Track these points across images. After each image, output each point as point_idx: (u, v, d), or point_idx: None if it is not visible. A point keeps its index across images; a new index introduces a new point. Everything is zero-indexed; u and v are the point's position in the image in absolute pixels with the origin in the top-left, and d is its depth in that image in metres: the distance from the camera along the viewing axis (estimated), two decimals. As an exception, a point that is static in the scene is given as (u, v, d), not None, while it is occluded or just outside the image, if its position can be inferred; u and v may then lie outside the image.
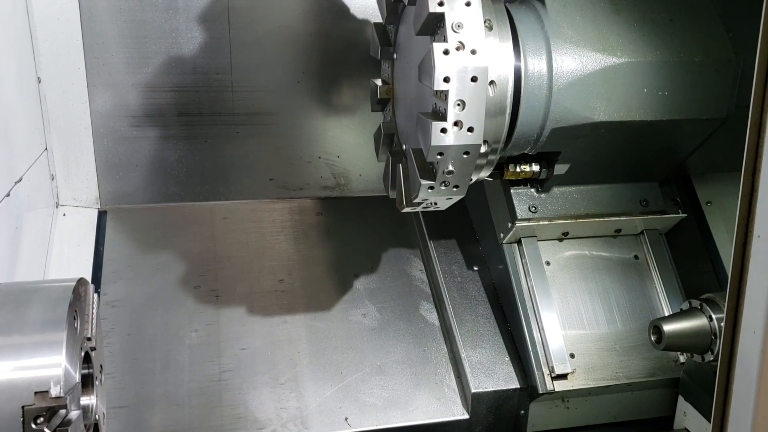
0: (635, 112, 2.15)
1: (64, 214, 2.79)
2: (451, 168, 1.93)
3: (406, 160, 2.17)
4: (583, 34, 2.11)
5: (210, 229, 2.86)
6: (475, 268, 2.74)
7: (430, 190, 2.00)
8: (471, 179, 2.14)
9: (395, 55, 2.36)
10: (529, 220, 2.42)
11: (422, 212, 2.84)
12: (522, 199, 2.44)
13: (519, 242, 2.50)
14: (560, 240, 2.53)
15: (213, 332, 2.52)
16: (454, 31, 1.81)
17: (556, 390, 2.33)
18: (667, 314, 2.46)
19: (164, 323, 2.53)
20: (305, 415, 2.36)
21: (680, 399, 2.42)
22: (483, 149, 2.01)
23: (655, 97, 2.15)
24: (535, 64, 2.07)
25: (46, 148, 2.68)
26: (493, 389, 2.42)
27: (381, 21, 2.38)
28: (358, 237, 2.92)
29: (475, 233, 2.86)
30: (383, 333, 2.62)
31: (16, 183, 2.24)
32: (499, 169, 2.32)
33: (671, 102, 2.16)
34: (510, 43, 2.03)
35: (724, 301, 2.02)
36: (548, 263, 2.51)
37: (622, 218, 2.49)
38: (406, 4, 2.06)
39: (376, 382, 2.48)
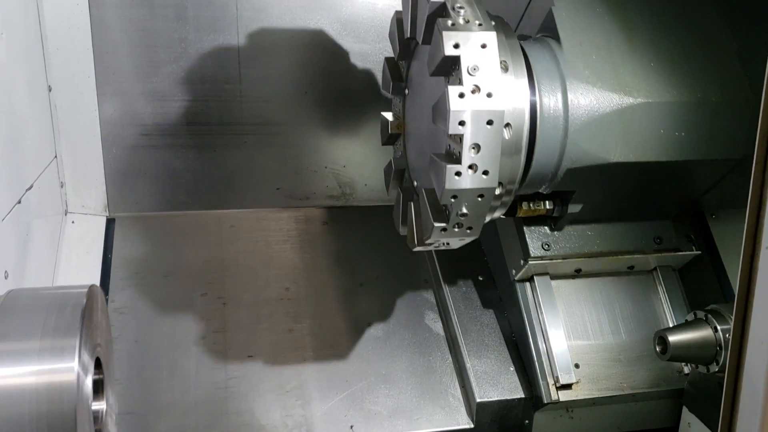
0: (651, 153, 2.10)
1: (73, 222, 2.81)
2: (465, 210, 1.88)
3: (418, 197, 2.13)
4: (599, 73, 2.06)
5: (217, 237, 2.88)
6: (480, 278, 2.76)
7: (443, 232, 1.95)
8: (485, 220, 2.08)
9: (407, 91, 2.32)
10: (542, 258, 2.38)
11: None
12: (535, 236, 2.39)
13: (531, 279, 2.45)
14: (572, 278, 2.49)
15: (219, 340, 2.54)
16: (470, 74, 1.77)
17: (561, 400, 2.34)
18: (671, 325, 2.48)
19: (171, 330, 2.54)
20: (311, 422, 2.37)
21: (684, 410, 2.43)
22: (497, 191, 1.96)
23: (671, 138, 2.10)
24: (550, 105, 2.02)
25: (55, 156, 2.70)
26: (498, 399, 2.43)
27: (392, 55, 2.34)
28: (363, 246, 2.94)
29: (480, 244, 2.87)
30: (388, 342, 2.64)
31: (26, 190, 2.26)
32: (512, 206, 2.24)
33: (687, 143, 2.11)
34: (526, 84, 1.98)
35: (730, 312, 2.07)
36: (561, 298, 2.48)
37: (635, 256, 2.44)
38: (420, 43, 2.00)
39: (382, 390, 2.49)
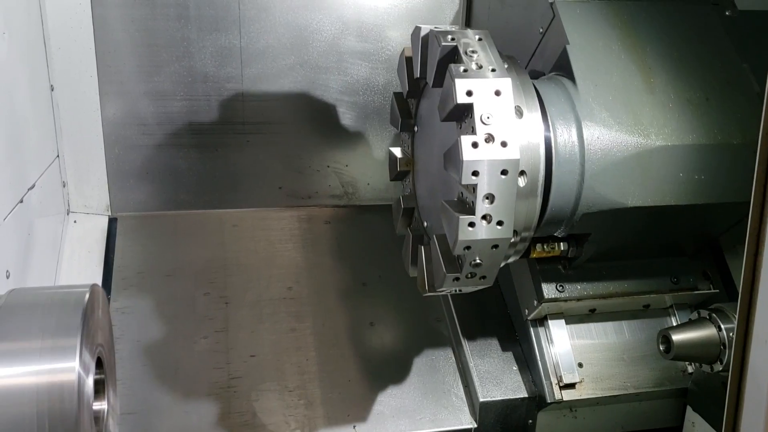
0: (670, 197, 2.03)
1: (75, 221, 2.81)
2: (478, 260, 1.81)
3: (428, 239, 2.08)
4: (616, 115, 1.99)
5: (219, 236, 2.88)
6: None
7: (455, 281, 1.89)
8: (499, 268, 1.99)
9: (416, 128, 2.27)
10: (556, 300, 2.30)
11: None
12: (549, 276, 2.30)
13: (545, 318, 2.40)
14: (586, 317, 2.42)
15: (222, 339, 2.53)
16: (484, 123, 1.71)
17: (564, 399, 2.33)
18: (675, 324, 2.47)
19: (173, 330, 2.54)
20: (313, 422, 2.37)
21: (688, 409, 2.42)
22: (512, 239, 1.88)
23: (690, 181, 2.03)
24: (566, 149, 1.96)
25: (58, 156, 2.70)
26: (501, 398, 2.42)
27: (400, 91, 2.28)
28: (366, 245, 2.94)
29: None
30: (391, 341, 2.63)
31: (29, 190, 2.26)
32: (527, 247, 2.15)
33: (707, 186, 2.04)
34: (541, 129, 1.91)
35: (733, 311, 2.05)
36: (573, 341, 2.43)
37: (651, 296, 2.38)
38: (431, 85, 1.95)
39: (384, 390, 2.49)
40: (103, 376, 1.58)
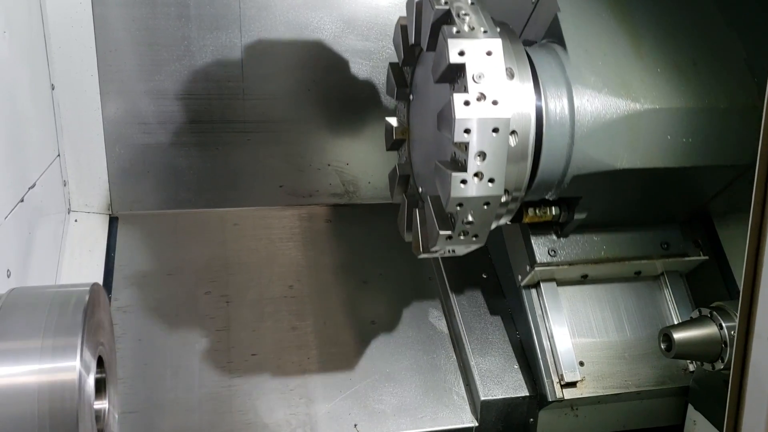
0: (658, 160, 2.09)
1: (76, 220, 2.81)
2: (470, 218, 1.86)
3: (423, 204, 2.11)
4: (605, 80, 2.04)
5: (220, 235, 2.88)
6: (485, 276, 2.75)
7: (448, 240, 1.93)
8: (491, 228, 2.05)
9: (412, 96, 2.30)
10: (548, 264, 2.34)
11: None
12: (541, 242, 2.35)
13: (537, 284, 2.43)
14: (578, 283, 2.47)
15: (223, 338, 2.53)
16: (475, 82, 1.75)
17: (566, 398, 2.33)
18: (676, 322, 2.46)
19: (175, 329, 2.54)
20: (315, 421, 2.37)
21: (690, 408, 2.42)
22: (504, 199, 1.93)
23: (678, 144, 2.08)
24: (556, 112, 2.01)
25: (58, 155, 2.70)
26: (502, 397, 2.42)
27: (396, 61, 2.32)
28: (366, 244, 2.93)
29: (485, 243, 2.85)
30: (392, 340, 2.63)
31: (29, 189, 2.26)
32: (518, 212, 2.22)
33: (695, 149, 2.10)
34: (532, 91, 1.96)
35: (734, 309, 2.05)
36: (567, 305, 2.46)
37: (642, 261, 2.41)
38: (425, 49, 1.97)
39: (386, 389, 2.49)
40: (104, 375, 1.58)
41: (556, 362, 2.35)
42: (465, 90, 1.74)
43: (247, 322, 2.60)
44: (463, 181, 1.78)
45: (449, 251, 2.02)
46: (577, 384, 2.35)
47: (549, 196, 2.17)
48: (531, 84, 1.97)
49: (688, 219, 2.47)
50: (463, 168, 1.78)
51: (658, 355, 2.43)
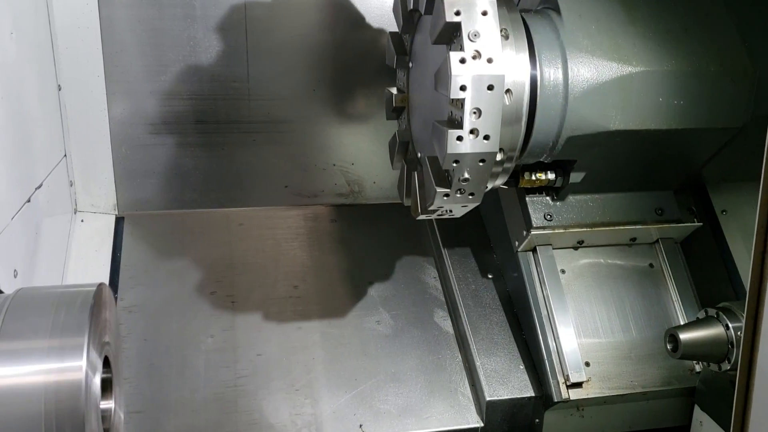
0: (650, 121, 2.16)
1: (82, 220, 2.82)
2: (467, 175, 1.94)
3: (422, 168, 2.19)
4: (598, 43, 2.12)
5: (226, 235, 2.88)
6: (490, 276, 2.74)
7: (445, 198, 2.01)
8: (486, 187, 2.15)
9: (411, 64, 2.37)
10: (544, 228, 2.42)
11: (436, 220, 2.86)
12: (537, 207, 2.43)
13: (534, 250, 2.50)
14: (575, 248, 2.53)
15: (229, 338, 2.54)
16: (471, 40, 1.82)
17: (571, 398, 2.33)
18: (682, 323, 2.46)
19: (180, 329, 2.55)
20: (320, 421, 2.37)
21: (696, 409, 2.41)
22: (499, 157, 2.02)
23: (670, 107, 2.15)
24: (550, 73, 2.08)
25: (65, 155, 2.71)
26: (508, 397, 2.42)
27: (396, 30, 2.41)
28: (372, 244, 2.93)
29: (489, 241, 2.86)
30: (397, 340, 2.63)
31: (36, 189, 2.27)
32: (515, 177, 2.33)
33: (686, 111, 2.17)
34: (526, 52, 2.04)
35: (741, 310, 2.06)
36: (563, 271, 2.51)
37: (637, 227, 2.48)
38: (423, 13, 2.07)
39: (391, 389, 2.48)
40: (110, 374, 1.58)
41: (562, 363, 2.35)
42: (461, 48, 1.81)
43: (253, 322, 2.60)
44: (459, 138, 1.84)
45: (447, 211, 2.10)
46: (583, 384, 2.34)
47: (544, 159, 2.23)
48: (525, 45, 2.04)
49: (681, 186, 2.54)
50: (459, 125, 1.84)
51: (665, 355, 2.42)
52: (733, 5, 2.26)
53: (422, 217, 2.19)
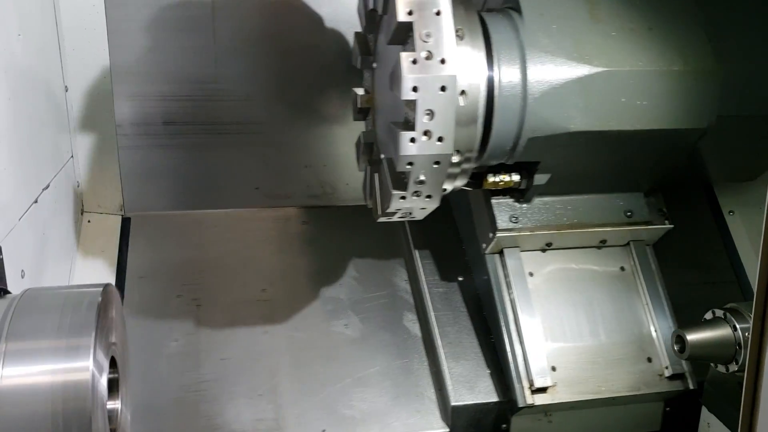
0: (613, 122, 2.11)
1: (89, 221, 2.83)
2: (422, 178, 1.91)
3: (383, 169, 2.16)
4: (559, 43, 2.08)
5: (195, 238, 2.85)
6: (460, 279, 2.70)
7: (402, 200, 1.99)
8: (446, 189, 2.12)
9: (375, 65, 2.34)
10: (510, 230, 2.38)
11: (409, 221, 2.83)
12: (502, 209, 2.40)
13: (501, 252, 2.46)
14: (543, 251, 2.49)
15: (193, 342, 2.51)
16: (424, 41, 1.79)
17: (536, 404, 2.29)
18: (652, 327, 2.42)
19: (144, 332, 2.52)
20: (282, 426, 2.34)
21: (703, 410, 2.35)
22: (456, 159, 1.99)
23: (633, 107, 2.11)
24: (508, 74, 2.04)
25: (72, 156, 2.73)
26: (473, 402, 2.38)
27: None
28: (343, 246, 2.89)
29: (461, 243, 2.82)
30: (365, 344, 2.60)
31: (43, 190, 2.30)
32: (479, 178, 2.30)
33: (650, 112, 2.13)
34: (483, 53, 2.00)
35: (748, 310, 2.03)
36: (531, 274, 2.48)
37: (605, 229, 2.44)
38: (380, 12, 2.04)
39: (356, 394, 2.46)
40: (116, 375, 1.61)
41: (527, 367, 2.31)
42: (414, 49, 1.78)
43: (218, 326, 2.57)
44: (412, 140, 1.82)
45: (406, 214, 2.08)
46: (549, 389, 2.31)
47: (506, 161, 2.20)
48: (482, 45, 2.01)
49: (653, 188, 2.49)
50: (413, 127, 1.81)
51: (633, 360, 2.40)
52: (699, 3, 2.23)
53: (382, 219, 2.16)
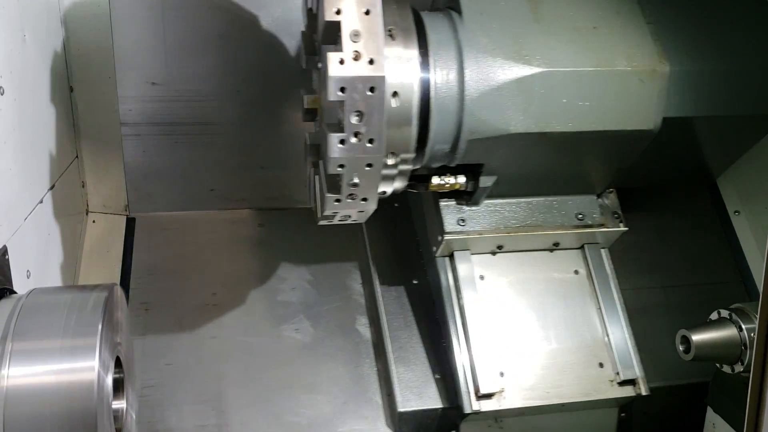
0: (555, 124, 2.07)
1: (94, 221, 2.82)
2: (355, 180, 1.87)
3: (320, 171, 2.12)
4: (498, 42, 2.03)
5: (147, 240, 2.81)
6: (415, 282, 2.66)
7: (337, 203, 1.95)
8: (385, 192, 2.08)
9: (320, 64, 2.30)
10: (458, 233, 2.35)
11: (365, 224, 2.79)
12: (450, 211, 2.36)
13: (452, 255, 2.42)
14: (494, 253, 2.45)
15: (138, 346, 2.46)
16: (352, 41, 1.75)
17: (482, 410, 2.25)
18: (607, 332, 2.38)
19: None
20: (226, 433, 2.30)
21: (709, 410, 2.32)
22: (390, 161, 1.95)
23: (575, 108, 2.06)
24: (445, 74, 2.00)
25: (77, 156, 2.72)
26: (420, 408, 2.35)
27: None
28: (299, 249, 2.85)
29: (418, 245, 2.78)
30: (316, 349, 2.56)
31: (48, 190, 2.29)
32: (426, 180, 2.26)
33: (593, 113, 2.08)
34: (416, 53, 1.96)
35: (754, 311, 2.02)
36: (483, 277, 2.44)
37: (557, 232, 2.40)
38: (315, 12, 2.00)
39: (304, 400, 2.42)
40: (121, 375, 1.62)
41: (474, 373, 2.27)
42: (342, 49, 1.74)
43: (165, 330, 2.53)
44: (342, 142, 1.78)
45: (346, 217, 2.05)
46: (496, 395, 2.27)
47: (449, 163, 2.16)
48: (416, 45, 1.96)
49: (604, 190, 2.46)
50: (342, 128, 1.77)
51: (584, 366, 2.36)
52: (646, 3, 2.18)
53: (323, 222, 2.12)
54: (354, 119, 1.77)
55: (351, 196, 1.92)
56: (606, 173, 2.35)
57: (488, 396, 2.26)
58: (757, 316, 1.46)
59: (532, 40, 2.06)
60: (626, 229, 2.46)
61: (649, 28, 2.14)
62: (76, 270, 2.60)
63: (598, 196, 2.46)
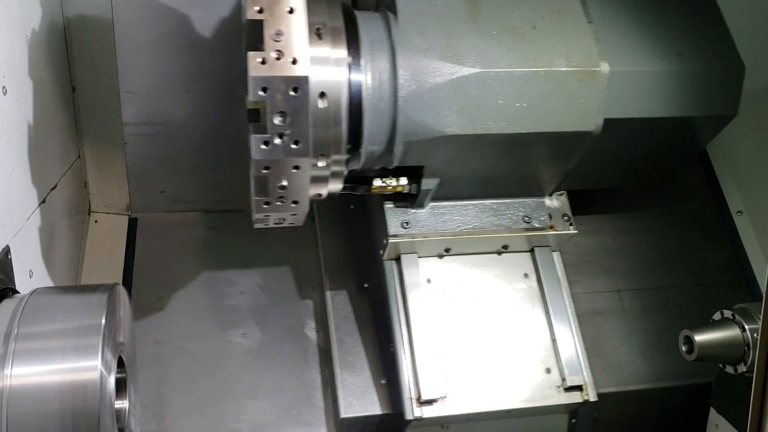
0: (491, 125, 2.03)
1: (96, 221, 2.81)
2: (284, 183, 1.83)
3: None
4: (432, 43, 1.99)
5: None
6: (366, 286, 2.62)
7: (266, 206, 1.91)
8: (320, 194, 2.04)
9: None
10: (402, 236, 2.31)
11: (320, 226, 2.75)
12: (394, 214, 2.32)
13: (398, 258, 2.38)
14: (441, 257, 2.41)
15: (78, 352, 2.42)
16: (274, 40, 1.71)
17: (424, 416, 2.21)
18: (555, 337, 2.34)
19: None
20: (164, 440, 2.26)
21: (712, 411, 2.30)
22: (321, 163, 1.91)
23: (512, 109, 2.03)
24: (376, 75, 1.96)
25: (79, 156, 2.71)
26: (363, 414, 2.31)
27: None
28: (251, 252, 2.81)
29: (372, 248, 2.74)
30: (262, 354, 2.52)
31: (51, 190, 2.29)
32: (368, 182, 2.22)
33: (530, 114, 2.04)
34: (345, 52, 1.92)
35: (757, 311, 2.00)
36: (430, 281, 2.39)
37: (503, 235, 2.37)
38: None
39: (246, 406, 2.38)
40: (124, 374, 1.63)
41: (416, 378, 2.23)
42: (263, 48, 1.71)
43: (107, 334, 2.49)
44: (266, 143, 1.74)
45: (281, 219, 2.01)
46: (439, 401, 2.22)
47: (387, 165, 2.12)
48: (345, 44, 1.92)
49: (553, 192, 2.42)
50: (265, 129, 1.73)
51: (530, 371, 2.32)
52: (588, 2, 2.15)
53: (258, 225, 2.08)
54: (277, 120, 1.73)
55: (281, 198, 1.88)
56: (551, 175, 2.31)
57: (430, 402, 2.21)
58: (760, 317, 1.45)
59: (467, 40, 2.02)
60: (575, 232, 2.42)
61: (591, 27, 2.10)
62: (79, 270, 2.61)
63: (550, 198, 2.42)
